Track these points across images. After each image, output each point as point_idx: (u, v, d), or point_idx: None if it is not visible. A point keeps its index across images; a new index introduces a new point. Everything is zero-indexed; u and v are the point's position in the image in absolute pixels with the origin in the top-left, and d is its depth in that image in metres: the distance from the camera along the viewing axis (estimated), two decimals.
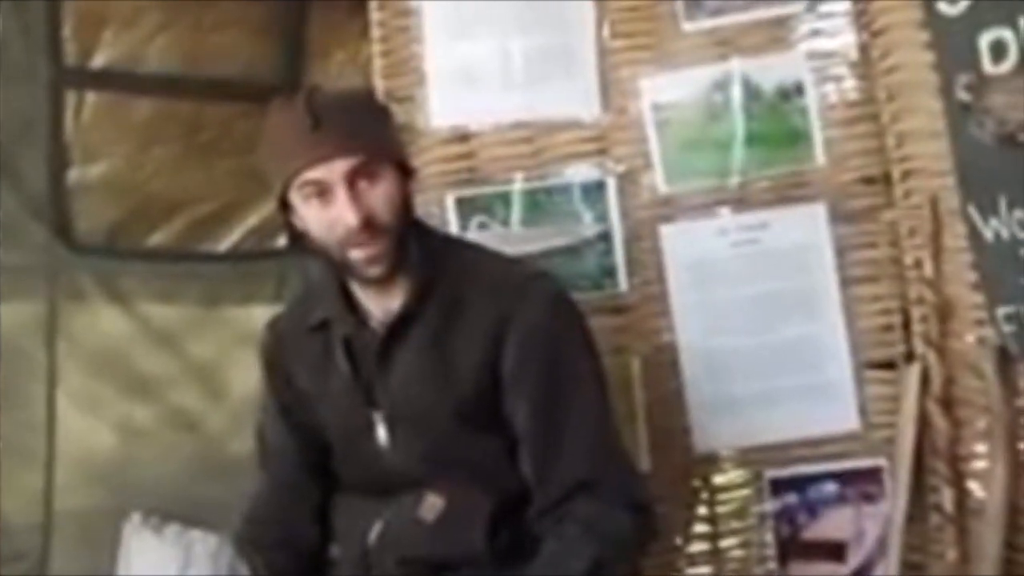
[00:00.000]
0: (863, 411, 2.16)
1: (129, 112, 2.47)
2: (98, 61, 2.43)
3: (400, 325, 1.76)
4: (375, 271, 1.72)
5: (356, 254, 1.71)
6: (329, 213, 1.70)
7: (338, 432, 1.84)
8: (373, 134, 1.74)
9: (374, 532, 1.77)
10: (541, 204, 2.23)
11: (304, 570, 1.85)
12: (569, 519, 1.69)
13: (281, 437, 1.88)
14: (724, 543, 2.23)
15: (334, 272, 1.79)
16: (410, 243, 1.76)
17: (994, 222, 1.87)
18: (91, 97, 2.44)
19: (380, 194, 1.71)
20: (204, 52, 2.48)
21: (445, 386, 1.75)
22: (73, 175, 2.44)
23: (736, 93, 2.18)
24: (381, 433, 1.77)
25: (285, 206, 1.76)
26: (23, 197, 2.40)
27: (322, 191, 1.70)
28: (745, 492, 2.21)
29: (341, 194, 1.68)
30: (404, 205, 1.75)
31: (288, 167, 1.71)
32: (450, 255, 1.81)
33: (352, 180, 1.69)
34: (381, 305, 1.78)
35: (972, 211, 1.90)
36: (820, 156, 2.17)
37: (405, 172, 1.77)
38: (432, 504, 1.74)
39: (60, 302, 2.42)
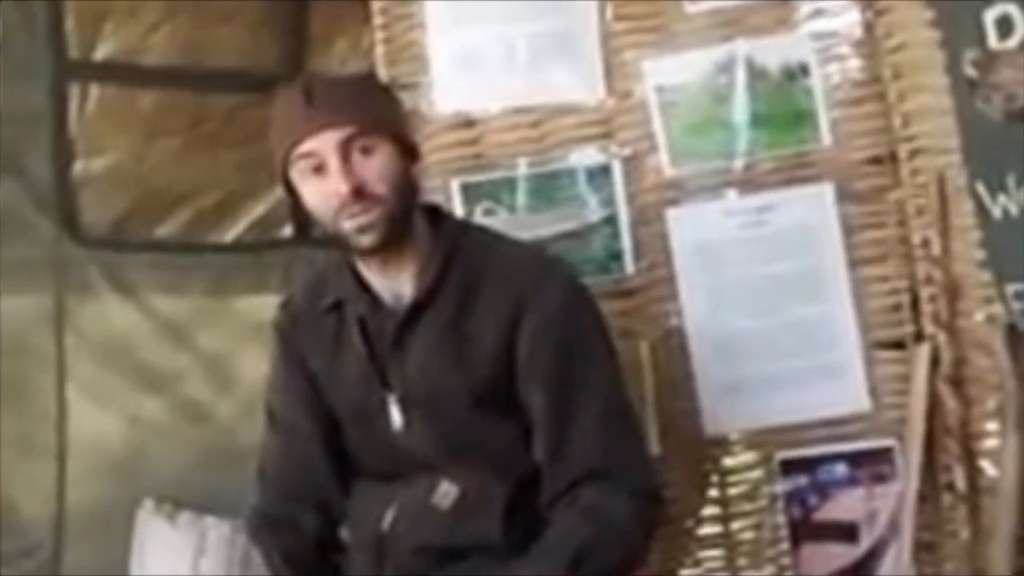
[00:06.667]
0: (873, 392, 2.15)
1: (133, 104, 2.48)
2: (100, 54, 2.43)
3: (416, 309, 1.76)
4: (366, 240, 1.73)
5: (348, 224, 1.72)
6: (324, 185, 1.72)
7: (352, 414, 1.83)
8: (366, 107, 1.75)
9: (388, 518, 1.77)
10: (546, 189, 2.23)
11: (314, 551, 1.84)
12: (573, 506, 1.69)
13: (294, 414, 1.87)
14: (735, 525, 2.22)
15: (346, 254, 1.80)
16: (416, 223, 1.77)
17: (1002, 199, 1.86)
18: (94, 90, 2.44)
19: (374, 165, 1.72)
20: (206, 43, 2.48)
21: (462, 370, 1.75)
22: (78, 168, 2.45)
23: (741, 74, 2.17)
24: (395, 415, 1.78)
25: (291, 191, 1.78)
26: (29, 191, 2.40)
27: (318, 166, 1.72)
28: (756, 474, 2.21)
29: (334, 164, 1.71)
30: (403, 181, 1.75)
31: (284, 141, 1.74)
32: (465, 240, 1.81)
33: (346, 152, 1.71)
34: (390, 286, 1.78)
35: (980, 188, 1.89)
36: (826, 136, 2.16)
37: (406, 150, 1.78)
38: (446, 491, 1.74)
39: (67, 295, 2.42)
